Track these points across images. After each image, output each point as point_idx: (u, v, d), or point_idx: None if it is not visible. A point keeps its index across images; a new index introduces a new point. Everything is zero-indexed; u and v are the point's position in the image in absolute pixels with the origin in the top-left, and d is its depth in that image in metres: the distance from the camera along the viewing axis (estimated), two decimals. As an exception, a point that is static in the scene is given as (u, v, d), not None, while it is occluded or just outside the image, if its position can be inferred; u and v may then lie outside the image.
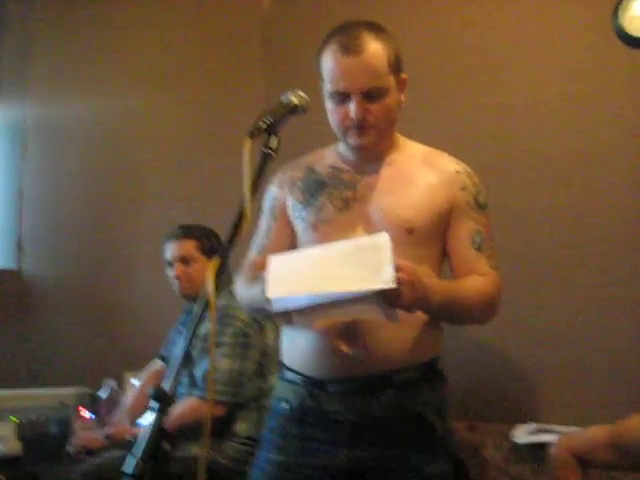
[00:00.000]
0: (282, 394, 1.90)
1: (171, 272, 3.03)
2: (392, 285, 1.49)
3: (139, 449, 1.26)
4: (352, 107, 1.77)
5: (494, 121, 3.00)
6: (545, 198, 2.89)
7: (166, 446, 1.29)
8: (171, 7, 3.92)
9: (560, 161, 2.88)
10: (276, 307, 1.55)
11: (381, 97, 1.78)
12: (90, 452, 2.92)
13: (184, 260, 2.99)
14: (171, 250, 3.03)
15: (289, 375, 1.89)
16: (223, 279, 1.52)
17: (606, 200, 2.81)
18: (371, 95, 1.77)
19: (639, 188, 2.76)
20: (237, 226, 1.52)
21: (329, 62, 1.79)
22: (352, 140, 1.83)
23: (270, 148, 1.62)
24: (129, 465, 1.25)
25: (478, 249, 1.85)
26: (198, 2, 3.86)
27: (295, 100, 1.72)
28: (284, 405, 1.87)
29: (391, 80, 1.81)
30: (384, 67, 1.78)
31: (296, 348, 1.86)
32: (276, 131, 1.64)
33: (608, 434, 1.94)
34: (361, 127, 1.79)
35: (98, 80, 4.07)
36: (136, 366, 3.39)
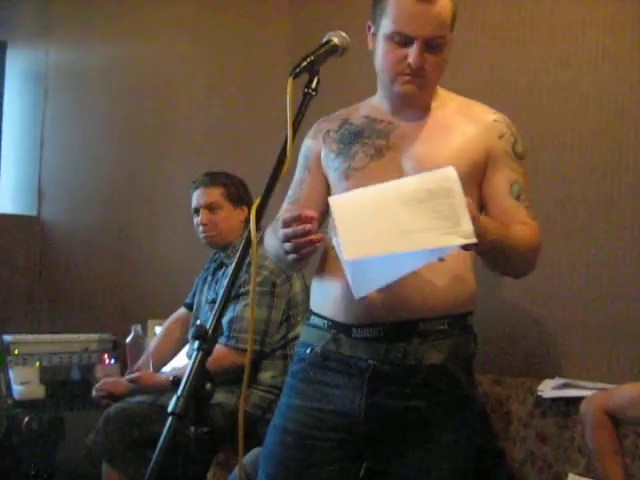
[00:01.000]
0: (306, 339, 1.89)
1: (197, 219, 3.01)
2: (474, 239, 1.46)
3: (181, 388, 1.24)
4: (413, 52, 1.74)
5: (527, 74, 2.93)
6: (578, 152, 2.84)
7: (208, 386, 1.27)
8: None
9: (595, 115, 2.82)
10: (348, 267, 1.48)
11: (440, 49, 1.77)
12: (113, 397, 2.94)
13: (210, 207, 2.97)
14: (197, 197, 3.01)
15: (315, 320, 1.87)
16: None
17: (637, 156, 2.76)
18: (432, 45, 1.75)
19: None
20: (278, 166, 1.48)
21: (398, 2, 1.75)
22: (399, 87, 1.79)
23: (311, 88, 1.59)
24: (172, 404, 1.24)
25: (517, 198, 1.81)
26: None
27: (336, 40, 1.68)
28: (307, 350, 1.86)
29: (450, 35, 1.80)
30: (449, 21, 1.78)
31: (324, 293, 1.85)
32: (317, 71, 1.61)
33: None
34: (415, 75, 1.76)
35: (122, 25, 4.03)
36: (160, 314, 3.40)
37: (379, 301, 1.73)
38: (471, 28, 3.04)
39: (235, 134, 3.67)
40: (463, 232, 1.44)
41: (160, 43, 3.94)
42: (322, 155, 1.92)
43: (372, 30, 1.83)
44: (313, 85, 1.58)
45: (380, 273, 1.51)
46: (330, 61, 1.67)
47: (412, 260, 1.50)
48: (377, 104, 1.91)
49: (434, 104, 1.87)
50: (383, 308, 1.74)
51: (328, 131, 1.92)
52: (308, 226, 1.57)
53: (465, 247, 1.52)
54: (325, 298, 1.84)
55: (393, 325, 1.75)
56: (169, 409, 1.23)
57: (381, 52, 1.80)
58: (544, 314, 2.88)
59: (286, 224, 1.60)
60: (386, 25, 1.77)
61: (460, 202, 1.46)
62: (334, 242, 1.54)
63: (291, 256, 1.61)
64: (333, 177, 1.88)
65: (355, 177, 1.82)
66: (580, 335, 2.81)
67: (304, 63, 1.58)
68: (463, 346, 1.83)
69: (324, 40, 1.68)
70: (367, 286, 1.54)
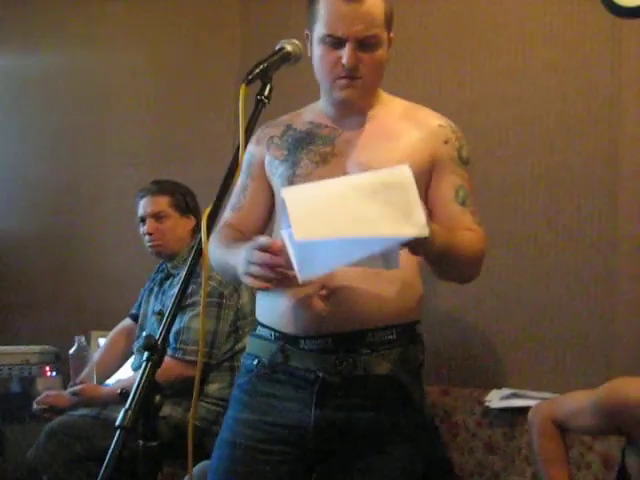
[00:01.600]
0: (253, 351, 1.85)
1: (143, 229, 2.96)
2: (426, 232, 1.44)
3: (130, 400, 1.21)
4: (346, 53, 1.71)
5: (478, 85, 2.97)
6: (526, 164, 2.88)
7: (157, 399, 1.24)
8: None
9: (542, 128, 2.87)
10: (297, 250, 1.46)
11: (374, 48, 1.74)
12: (56, 410, 2.86)
13: (157, 216, 2.92)
14: (144, 206, 2.96)
15: (261, 331, 1.83)
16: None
17: (585, 169, 2.81)
18: (365, 44, 1.72)
19: (617, 159, 2.76)
20: (230, 174, 1.46)
21: (327, 5, 1.73)
22: (338, 92, 1.77)
23: (264, 96, 1.57)
24: (120, 417, 1.20)
25: (462, 204, 1.80)
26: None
27: (289, 47, 1.66)
28: (254, 362, 1.82)
29: (385, 34, 1.77)
30: (381, 19, 1.74)
31: (270, 303, 1.80)
32: (270, 79, 1.59)
33: (591, 398, 1.94)
34: (351, 78, 1.74)
35: (69, 34, 3.96)
36: (103, 325, 3.34)
37: (327, 312, 1.70)
38: (418, 41, 3.08)
39: (182, 142, 3.63)
40: (416, 223, 1.43)
41: (103, 50, 3.89)
42: (266, 162, 1.88)
43: (309, 37, 1.80)
44: (266, 92, 1.57)
45: (328, 257, 1.47)
46: (283, 69, 1.66)
47: (361, 248, 1.46)
48: (321, 109, 1.88)
49: (378, 108, 1.85)
50: (331, 319, 1.71)
51: (272, 137, 1.88)
52: (281, 260, 1.53)
53: (414, 248, 1.50)
54: (272, 308, 1.80)
55: (341, 336, 1.72)
56: (117, 422, 1.19)
57: (317, 57, 1.77)
58: (491, 325, 2.90)
59: (263, 249, 1.55)
60: (319, 29, 1.75)
61: (414, 196, 1.45)
62: (283, 235, 1.50)
63: (253, 281, 1.56)
64: (277, 184, 1.84)
65: (300, 184, 1.76)
66: (527, 345, 2.85)
67: (257, 70, 1.56)
68: (412, 355, 1.81)
69: (277, 47, 1.66)
70: (314, 270, 1.49)
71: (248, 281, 1.57)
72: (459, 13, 3.03)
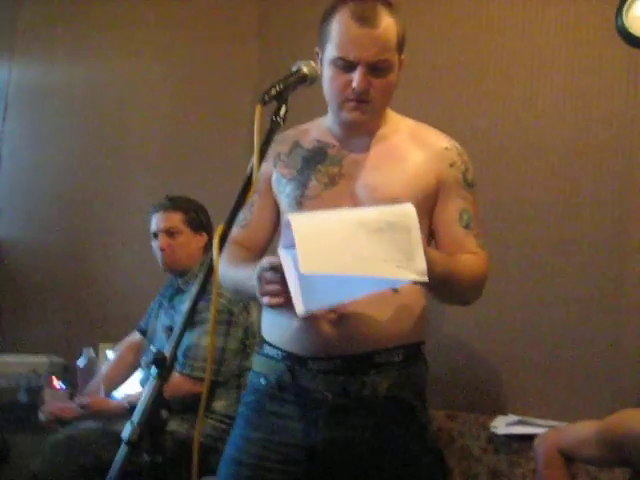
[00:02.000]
0: (260, 369, 1.85)
1: (155, 244, 2.97)
2: (425, 279, 1.48)
3: (137, 415, 1.22)
4: (356, 77, 1.71)
5: (493, 112, 2.98)
6: (538, 192, 2.89)
7: (164, 414, 1.25)
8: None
9: (555, 155, 2.88)
10: (300, 280, 1.48)
11: (386, 73, 1.75)
12: (62, 422, 2.87)
13: (169, 232, 2.93)
14: (156, 221, 2.97)
15: (268, 350, 1.84)
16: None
17: (596, 198, 2.82)
18: (377, 69, 1.73)
19: (629, 189, 2.77)
20: (243, 193, 1.47)
21: (340, 27, 1.73)
22: (346, 114, 1.77)
23: (279, 117, 1.57)
24: (126, 431, 1.21)
25: (466, 227, 1.81)
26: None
27: (305, 69, 1.66)
28: (261, 380, 1.83)
29: (396, 58, 1.78)
30: (393, 43, 1.75)
31: (278, 323, 1.81)
32: (286, 100, 1.59)
33: (597, 429, 1.93)
34: (360, 101, 1.74)
35: (87, 46, 3.99)
36: (112, 338, 3.34)
37: (336, 335, 1.71)
38: (434, 66, 3.10)
39: (196, 159, 3.65)
40: (416, 269, 1.47)
41: (124, 64, 3.92)
42: (273, 178, 1.89)
43: (319, 56, 1.81)
44: (281, 113, 1.57)
45: (329, 293, 1.52)
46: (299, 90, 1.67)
47: (363, 285, 1.51)
48: (327, 127, 1.88)
49: (386, 129, 1.85)
50: (340, 341, 1.72)
51: (279, 154, 1.89)
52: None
53: (415, 282, 1.53)
54: (279, 328, 1.80)
55: (350, 358, 1.74)
56: (124, 436, 1.20)
57: (327, 78, 1.78)
58: (499, 350, 2.90)
59: (275, 269, 1.58)
60: (330, 51, 1.75)
61: (416, 239, 1.49)
62: (283, 254, 1.52)
63: (270, 300, 1.59)
64: (285, 203, 1.85)
65: (308, 205, 1.79)
66: (534, 372, 2.84)
67: (273, 91, 1.57)
68: (417, 376, 1.83)
69: (294, 69, 1.67)
70: (315, 304, 1.53)
71: (265, 300, 1.60)
72: (475, 40, 3.05)
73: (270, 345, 1.84)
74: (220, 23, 3.69)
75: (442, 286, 1.66)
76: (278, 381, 1.79)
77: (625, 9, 2.79)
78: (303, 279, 1.48)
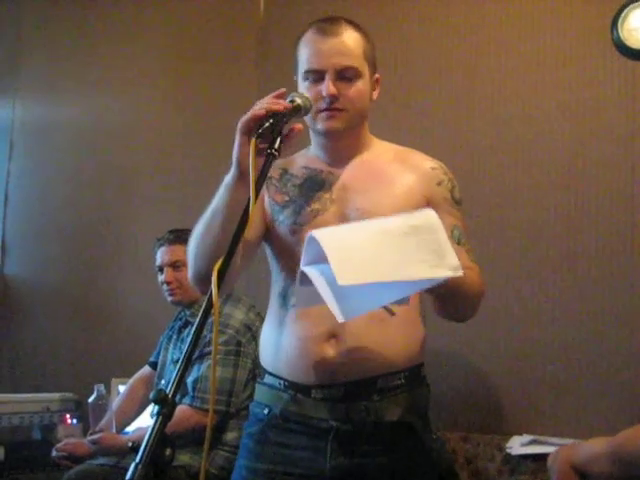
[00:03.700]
0: (262, 399, 1.85)
1: (161, 277, 2.98)
2: (461, 273, 1.47)
3: (140, 455, 1.21)
4: (324, 83, 1.75)
5: (491, 129, 2.99)
6: (541, 208, 2.88)
7: (168, 452, 1.24)
8: (165, 10, 3.89)
9: (556, 171, 2.87)
10: (336, 291, 1.45)
11: (354, 79, 1.78)
12: (75, 459, 2.86)
13: (175, 265, 2.94)
14: (161, 255, 2.99)
15: (270, 379, 1.83)
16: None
17: (598, 212, 2.81)
18: (345, 76, 1.77)
19: (632, 201, 2.76)
20: (240, 227, 1.47)
21: (306, 44, 1.81)
22: (321, 125, 1.79)
23: (274, 149, 1.57)
24: (129, 473, 1.20)
25: (458, 243, 1.82)
26: (193, 4, 3.82)
27: (299, 101, 1.68)
28: (264, 410, 1.82)
29: (365, 69, 1.81)
30: (359, 52, 1.80)
31: (278, 351, 1.81)
32: (280, 132, 1.60)
33: (608, 445, 1.91)
34: (332, 109, 1.77)
35: (89, 81, 4.03)
36: (123, 373, 3.34)
37: (338, 361, 1.72)
38: (433, 87, 3.11)
39: (201, 191, 3.65)
40: (450, 265, 1.46)
41: (127, 99, 3.95)
42: (265, 200, 1.88)
43: (296, 83, 1.85)
44: (276, 145, 1.57)
45: (366, 299, 1.49)
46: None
47: (399, 289, 1.49)
48: (314, 154, 1.90)
49: (371, 153, 1.88)
50: (342, 368, 1.72)
51: (270, 178, 1.89)
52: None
53: (428, 291, 1.53)
54: (280, 357, 1.80)
55: (353, 384, 1.74)
56: (127, 477, 1.19)
57: None
58: (511, 369, 2.87)
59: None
60: (301, 67, 1.81)
61: (443, 237, 1.49)
62: (310, 272, 1.48)
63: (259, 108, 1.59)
64: (279, 230, 1.85)
65: (302, 232, 1.78)
66: (548, 390, 2.81)
67: (267, 124, 1.58)
68: (421, 399, 1.83)
69: (287, 100, 1.68)
70: (353, 310, 1.49)
71: (253, 110, 1.60)
72: (473, 59, 3.05)
73: (271, 374, 1.83)
74: (220, 55, 3.72)
75: (452, 296, 1.67)
76: (282, 411, 1.78)
77: (620, 21, 2.80)
78: (338, 290, 1.45)
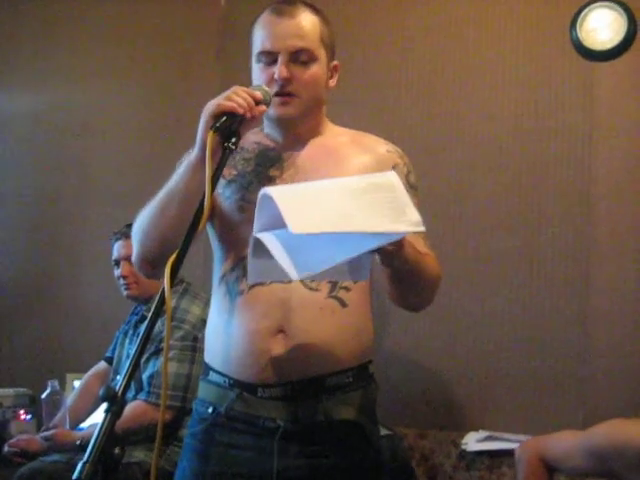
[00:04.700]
0: (206, 397, 1.77)
1: (117, 272, 2.95)
2: (422, 228, 1.42)
3: (88, 453, 1.19)
4: (277, 66, 1.70)
5: (450, 128, 3.00)
6: (500, 205, 2.91)
7: (117, 451, 1.22)
8: (129, 1, 3.83)
9: (512, 169, 2.90)
10: (289, 247, 1.39)
11: (308, 63, 1.72)
12: (27, 455, 2.81)
13: (130, 260, 2.89)
14: (118, 249, 2.96)
15: (214, 377, 1.75)
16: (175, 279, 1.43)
17: (558, 209, 2.84)
18: (299, 59, 1.71)
19: (589, 199, 2.79)
20: (195, 221, 1.44)
21: (261, 25, 1.74)
22: (274, 110, 1.72)
23: (231, 143, 1.54)
24: (77, 471, 1.18)
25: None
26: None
27: (259, 94, 1.65)
28: (208, 409, 1.74)
29: (322, 53, 1.75)
30: (315, 35, 1.74)
31: (224, 348, 1.73)
32: (238, 126, 1.57)
33: (582, 439, 1.92)
34: (285, 94, 1.71)
35: (49, 71, 3.95)
36: (78, 368, 3.30)
37: (285, 359, 1.66)
38: (396, 85, 3.11)
39: (160, 185, 3.61)
40: (410, 221, 1.41)
41: (87, 90, 3.88)
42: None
43: (250, 65, 1.79)
44: (233, 140, 1.54)
45: (322, 255, 1.40)
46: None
47: (357, 244, 1.41)
48: (266, 133, 1.84)
49: (325, 136, 1.83)
50: (289, 366, 1.66)
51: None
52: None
53: (388, 256, 1.47)
54: (226, 354, 1.73)
55: (300, 383, 1.68)
56: (74, 476, 1.17)
57: (253, 76, 1.76)
58: (466, 366, 2.90)
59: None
60: (255, 49, 1.76)
61: (404, 195, 1.44)
62: (262, 236, 1.42)
63: (229, 102, 1.55)
64: (225, 206, 1.78)
65: (250, 210, 1.65)
66: (502, 387, 2.84)
67: (224, 117, 1.54)
68: (369, 397, 1.77)
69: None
70: (308, 267, 1.41)
71: (222, 102, 1.55)
72: (434, 58, 3.07)
73: (215, 372, 1.76)
74: (181, 47, 3.68)
75: (409, 274, 1.60)
76: (227, 410, 1.71)
77: (579, 22, 2.83)
78: (291, 248, 1.39)
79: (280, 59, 1.70)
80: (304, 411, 1.68)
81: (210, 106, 1.58)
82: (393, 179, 1.47)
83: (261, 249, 1.44)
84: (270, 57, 1.71)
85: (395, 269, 1.58)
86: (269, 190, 1.41)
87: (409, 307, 1.82)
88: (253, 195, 1.63)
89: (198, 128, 1.61)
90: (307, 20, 1.73)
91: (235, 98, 1.57)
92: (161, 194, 1.74)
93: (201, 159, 1.60)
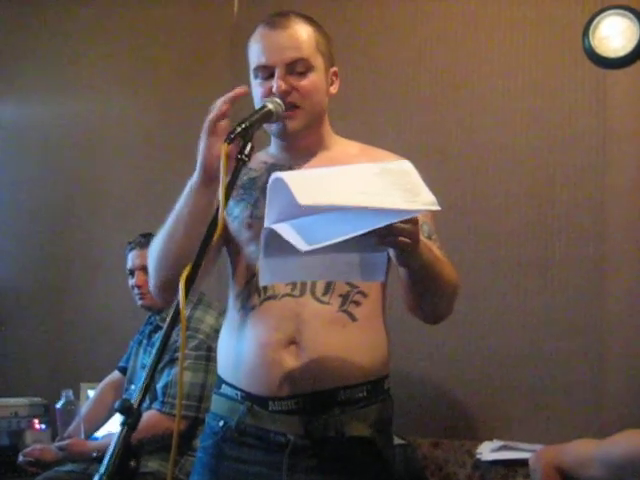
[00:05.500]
0: (218, 410, 1.76)
1: (132, 281, 2.96)
2: (437, 207, 1.38)
3: (103, 466, 1.19)
4: (275, 79, 1.68)
5: (463, 137, 3.00)
6: (509, 213, 2.90)
7: (133, 463, 1.22)
8: (137, 9, 3.84)
9: (526, 177, 2.89)
10: (297, 221, 1.36)
11: (307, 73, 1.70)
12: (42, 465, 2.82)
13: (145, 269, 2.89)
14: (132, 258, 2.97)
15: (226, 390, 1.74)
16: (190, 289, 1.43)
17: (572, 217, 2.83)
18: (296, 70, 1.70)
19: (603, 207, 2.78)
20: (209, 233, 1.45)
21: (255, 40, 1.74)
22: (280, 124, 1.70)
23: (244, 154, 1.54)
24: (93, 483, 1.18)
25: (429, 238, 1.71)
26: (165, 4, 3.79)
27: (270, 106, 1.64)
28: (219, 423, 1.72)
29: (319, 61, 1.73)
30: (310, 44, 1.72)
31: (236, 360, 1.71)
32: (251, 137, 1.57)
33: (598, 449, 1.91)
34: (288, 107, 1.68)
35: (61, 83, 3.98)
36: (93, 377, 3.31)
37: (297, 371, 1.63)
38: (409, 90, 3.10)
39: (172, 195, 3.62)
40: (424, 201, 1.38)
41: (98, 101, 3.90)
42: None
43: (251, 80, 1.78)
44: (246, 151, 1.53)
45: (331, 229, 1.37)
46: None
47: (367, 221, 1.37)
48: (273, 153, 1.82)
49: (333, 151, 1.80)
50: (302, 379, 1.64)
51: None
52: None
53: (405, 253, 1.45)
54: (238, 367, 1.71)
55: (312, 396, 1.65)
56: (90, 488, 1.17)
57: (254, 95, 1.74)
58: (481, 376, 2.88)
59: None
60: (251, 64, 1.75)
61: (417, 179, 1.42)
62: (273, 227, 1.39)
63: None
64: (234, 225, 1.77)
65: (257, 226, 1.68)
66: (517, 396, 2.83)
67: (239, 129, 1.53)
68: (384, 414, 1.74)
69: (259, 106, 1.66)
70: (316, 239, 1.37)
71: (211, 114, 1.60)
72: (445, 64, 3.06)
73: (227, 384, 1.74)
74: (192, 58, 3.69)
75: (426, 275, 1.56)
76: (238, 424, 1.68)
77: (591, 30, 2.82)
78: (299, 223, 1.37)
79: (277, 72, 1.69)
80: (315, 426, 1.65)
81: (208, 121, 1.61)
82: (407, 165, 1.46)
83: (273, 247, 1.43)
84: (267, 71, 1.70)
85: (411, 270, 1.54)
86: (280, 174, 1.40)
87: (427, 316, 1.74)
88: (260, 211, 1.65)
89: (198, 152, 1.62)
90: (301, 30, 1.72)
91: (215, 106, 1.60)
92: (168, 221, 1.73)
93: (202, 183, 1.63)
